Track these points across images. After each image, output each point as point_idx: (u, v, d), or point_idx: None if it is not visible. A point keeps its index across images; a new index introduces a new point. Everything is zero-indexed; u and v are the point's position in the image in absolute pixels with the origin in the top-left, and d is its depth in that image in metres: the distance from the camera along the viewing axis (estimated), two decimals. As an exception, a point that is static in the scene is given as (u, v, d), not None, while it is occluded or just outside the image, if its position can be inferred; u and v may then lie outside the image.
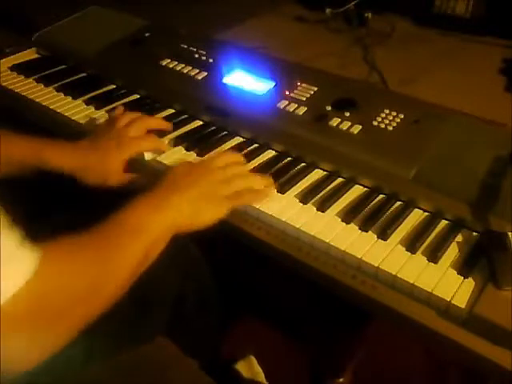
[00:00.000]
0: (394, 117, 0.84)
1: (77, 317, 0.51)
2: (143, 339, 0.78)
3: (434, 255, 0.65)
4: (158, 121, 0.90)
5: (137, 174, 0.82)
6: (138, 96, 1.05)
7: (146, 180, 0.81)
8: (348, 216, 0.71)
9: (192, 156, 0.85)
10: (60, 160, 0.78)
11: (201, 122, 0.95)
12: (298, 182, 0.79)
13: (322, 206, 0.73)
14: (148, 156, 0.84)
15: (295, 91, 0.94)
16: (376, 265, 0.64)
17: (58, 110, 0.99)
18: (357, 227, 0.70)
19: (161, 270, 0.79)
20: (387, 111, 0.85)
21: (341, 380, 1.18)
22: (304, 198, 0.75)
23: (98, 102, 1.01)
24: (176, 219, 0.63)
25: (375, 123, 0.84)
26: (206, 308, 0.96)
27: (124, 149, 0.80)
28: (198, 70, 1.03)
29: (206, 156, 0.83)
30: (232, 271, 1.21)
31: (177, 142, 0.88)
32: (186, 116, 0.96)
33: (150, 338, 0.79)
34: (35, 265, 0.45)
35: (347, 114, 0.86)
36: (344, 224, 0.71)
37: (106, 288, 0.54)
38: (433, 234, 0.69)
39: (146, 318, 0.79)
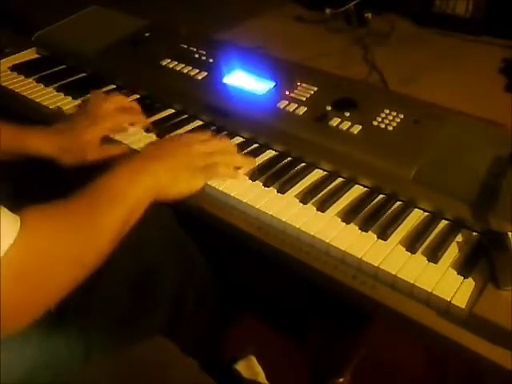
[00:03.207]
0: (394, 117, 0.84)
1: (63, 278, 0.52)
2: (142, 337, 0.78)
3: (434, 255, 0.65)
4: (127, 100, 0.93)
5: (115, 146, 0.83)
6: (138, 96, 1.05)
7: (125, 153, 0.83)
8: (348, 216, 0.71)
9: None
10: (37, 144, 0.80)
11: (201, 122, 0.95)
12: (298, 182, 0.79)
13: (322, 206, 0.73)
14: (132, 132, 0.86)
15: (295, 91, 0.94)
16: (376, 265, 0.64)
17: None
18: (357, 227, 0.70)
19: (160, 269, 0.80)
20: (387, 111, 0.85)
21: (341, 380, 1.18)
22: (304, 198, 0.75)
23: (98, 102, 1.00)
24: (153, 185, 0.65)
25: (375, 123, 0.84)
26: (206, 307, 0.96)
27: (98, 124, 0.82)
28: (198, 70, 1.03)
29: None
30: (232, 271, 1.21)
31: (177, 142, 0.88)
32: (186, 116, 0.96)
33: (149, 335, 0.79)
34: (17, 228, 0.46)
35: (347, 114, 0.86)
36: (344, 224, 0.71)
37: (88, 252, 0.55)
38: (433, 234, 0.69)
39: (144, 316, 0.79)
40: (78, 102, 1.02)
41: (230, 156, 0.77)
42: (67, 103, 1.01)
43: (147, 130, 0.90)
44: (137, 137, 0.89)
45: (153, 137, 0.89)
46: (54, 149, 0.80)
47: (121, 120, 0.84)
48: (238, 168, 0.78)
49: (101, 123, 0.82)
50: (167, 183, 0.67)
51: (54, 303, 0.52)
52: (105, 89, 1.07)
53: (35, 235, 0.48)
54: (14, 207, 0.48)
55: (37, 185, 0.92)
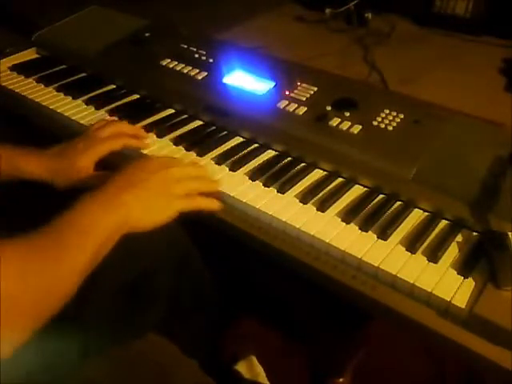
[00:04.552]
0: (394, 117, 0.84)
1: (34, 314, 0.51)
2: (138, 334, 0.78)
3: (434, 255, 0.65)
4: (132, 127, 0.88)
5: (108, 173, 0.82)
6: (138, 96, 1.05)
7: None
8: (348, 216, 0.71)
9: (192, 156, 0.85)
10: (31, 167, 0.78)
11: (201, 122, 0.95)
12: (298, 182, 0.79)
13: (322, 206, 0.73)
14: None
15: (295, 91, 0.94)
16: (376, 265, 0.64)
17: (58, 110, 0.99)
18: (357, 227, 0.70)
19: (156, 268, 0.79)
20: (387, 111, 0.85)
21: (341, 380, 1.18)
22: (304, 198, 0.75)
23: (98, 102, 1.01)
24: (125, 217, 0.62)
25: (375, 123, 0.84)
26: (204, 306, 0.96)
27: (92, 149, 0.79)
28: (198, 70, 1.03)
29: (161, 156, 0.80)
30: (232, 271, 1.21)
31: (177, 141, 0.88)
32: (185, 116, 0.96)
33: (145, 332, 0.79)
34: None
35: (347, 114, 0.86)
36: (344, 224, 0.71)
37: (58, 287, 0.54)
38: (433, 234, 0.69)
39: (140, 313, 0.79)
40: (77, 101, 1.02)
41: (204, 182, 0.73)
42: (67, 103, 1.01)
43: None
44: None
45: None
46: (46, 172, 0.78)
47: (116, 145, 0.81)
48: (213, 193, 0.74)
49: (93, 151, 0.79)
50: (140, 214, 0.64)
51: (29, 336, 0.50)
52: (105, 89, 1.07)
53: (3, 266, 0.48)
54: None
55: (28, 212, 0.91)
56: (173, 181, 0.68)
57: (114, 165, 0.80)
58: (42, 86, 1.08)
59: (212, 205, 0.71)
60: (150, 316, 0.81)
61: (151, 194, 0.65)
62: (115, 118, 0.96)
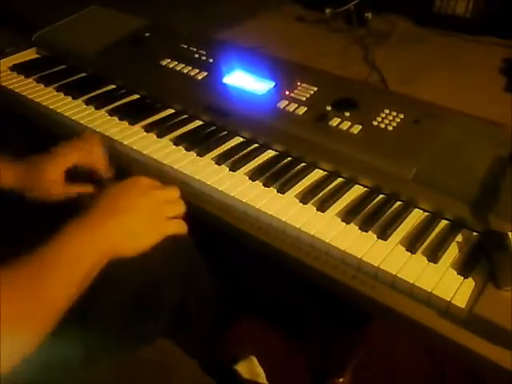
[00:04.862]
0: (394, 117, 0.84)
1: (16, 342, 0.50)
2: (143, 342, 0.78)
3: (434, 255, 0.65)
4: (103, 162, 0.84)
5: (80, 186, 0.81)
6: (138, 96, 1.05)
7: (90, 192, 0.80)
8: (348, 216, 0.71)
9: (192, 156, 0.85)
10: (4, 176, 0.77)
11: (201, 122, 0.95)
12: (298, 182, 0.79)
13: (322, 206, 0.73)
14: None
15: (295, 91, 0.94)
16: (376, 265, 0.64)
17: (58, 110, 0.99)
18: (357, 227, 0.70)
19: (162, 274, 0.79)
20: (387, 111, 0.85)
21: (341, 380, 1.18)
22: (304, 198, 0.75)
23: (98, 102, 1.01)
24: (109, 246, 0.60)
25: (375, 123, 0.84)
26: (207, 310, 0.96)
27: (58, 160, 0.78)
28: (198, 70, 1.03)
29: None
30: (232, 271, 1.21)
31: (177, 141, 0.88)
32: (185, 116, 0.96)
33: (150, 340, 0.79)
34: None
35: (347, 114, 0.86)
36: (344, 224, 0.71)
37: (41, 315, 0.52)
38: (433, 234, 0.69)
39: (146, 321, 0.79)
40: (77, 101, 1.02)
41: (179, 205, 0.71)
42: (67, 103, 1.01)
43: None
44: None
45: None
46: (19, 183, 0.77)
47: (84, 155, 0.80)
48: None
49: (60, 162, 0.78)
50: (126, 242, 0.62)
51: (13, 363, 0.49)
52: (105, 89, 1.07)
53: None
54: None
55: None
56: (158, 204, 0.67)
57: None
58: (42, 86, 1.08)
59: (185, 229, 0.70)
60: (156, 326, 0.81)
61: (139, 220, 0.64)
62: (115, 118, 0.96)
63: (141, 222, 0.64)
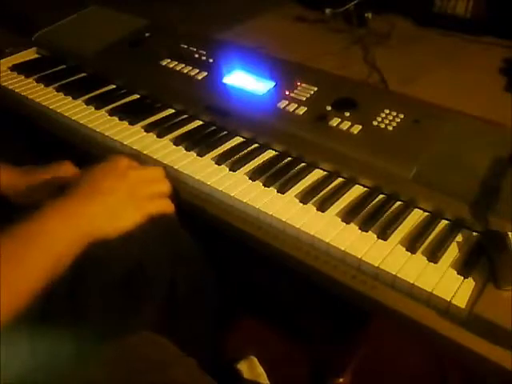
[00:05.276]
0: (394, 117, 0.84)
1: None
2: (132, 329, 0.77)
3: (434, 255, 0.65)
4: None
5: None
6: (138, 96, 1.05)
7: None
8: (348, 216, 0.71)
9: (192, 156, 0.85)
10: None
11: (201, 122, 0.95)
12: (298, 181, 0.79)
13: (322, 206, 0.73)
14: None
15: (295, 91, 0.94)
16: (376, 265, 0.64)
17: (58, 110, 0.99)
18: (357, 227, 0.70)
19: (147, 255, 0.79)
20: (387, 111, 0.85)
21: (341, 380, 1.18)
22: (304, 198, 0.75)
23: (98, 102, 1.00)
24: (88, 227, 0.60)
25: (375, 123, 0.84)
26: (203, 305, 0.96)
27: (47, 168, 0.78)
28: (197, 70, 1.03)
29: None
30: (232, 271, 1.21)
31: (177, 141, 0.88)
32: (185, 116, 0.96)
33: (139, 328, 0.78)
34: None
35: (347, 114, 0.86)
36: (344, 224, 0.71)
37: (10, 299, 0.51)
38: (433, 234, 0.69)
39: (134, 308, 0.79)
40: (77, 101, 1.02)
41: (163, 184, 0.71)
42: (67, 103, 1.01)
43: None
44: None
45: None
46: (6, 187, 0.78)
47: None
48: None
49: (48, 169, 0.78)
50: (105, 223, 0.61)
51: None
52: (105, 89, 1.07)
53: None
54: None
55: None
56: (139, 184, 0.66)
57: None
58: (42, 86, 1.08)
59: (171, 207, 0.70)
60: (145, 311, 0.81)
61: (119, 201, 0.64)
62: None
63: (121, 202, 0.64)
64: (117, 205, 0.63)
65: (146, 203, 0.66)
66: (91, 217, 0.60)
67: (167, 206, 0.69)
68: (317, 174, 0.81)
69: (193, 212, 0.77)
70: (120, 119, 0.96)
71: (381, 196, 0.76)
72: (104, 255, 0.61)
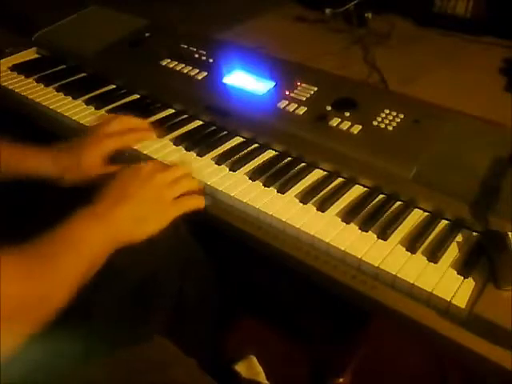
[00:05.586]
0: (394, 117, 0.84)
1: (23, 324, 0.51)
2: (142, 338, 0.78)
3: (434, 255, 0.65)
4: (138, 121, 0.85)
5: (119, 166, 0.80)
6: (138, 96, 1.05)
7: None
8: (348, 216, 0.71)
9: (192, 156, 0.85)
10: (37, 164, 0.77)
11: (201, 122, 0.95)
12: (298, 181, 0.79)
13: (322, 206, 0.73)
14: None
15: (295, 91, 0.94)
16: (376, 265, 0.64)
17: (58, 110, 0.99)
18: (357, 227, 0.70)
19: (163, 272, 0.79)
20: (387, 111, 0.85)
21: (341, 380, 1.18)
22: (304, 198, 0.75)
23: (98, 102, 1.01)
24: (116, 233, 0.62)
25: (375, 123, 0.84)
26: (206, 307, 0.96)
27: (97, 146, 0.78)
28: (197, 70, 1.03)
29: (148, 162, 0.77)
30: (232, 271, 1.21)
31: (177, 141, 0.88)
32: (185, 116, 0.96)
33: (149, 336, 0.79)
34: None
35: (347, 114, 0.86)
36: (344, 224, 0.71)
37: (51, 296, 0.54)
38: (433, 234, 0.69)
39: (144, 317, 0.79)
40: (77, 101, 1.02)
41: (190, 180, 0.73)
42: (67, 103, 1.01)
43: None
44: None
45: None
46: (53, 168, 0.77)
47: (122, 142, 0.80)
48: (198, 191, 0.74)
49: (103, 142, 0.78)
50: (132, 228, 0.63)
51: (22, 337, 0.50)
52: (105, 89, 1.07)
53: (3, 270, 0.48)
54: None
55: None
56: (165, 187, 0.68)
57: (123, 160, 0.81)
58: (42, 86, 1.08)
59: (201, 203, 0.71)
60: (155, 320, 0.81)
61: (145, 206, 0.65)
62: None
63: (147, 208, 0.65)
64: (143, 210, 0.65)
65: (171, 207, 0.68)
66: (118, 222, 0.62)
67: (197, 203, 0.71)
68: (317, 174, 0.81)
69: (193, 212, 0.77)
70: (120, 119, 0.96)
71: (381, 196, 0.76)
72: (121, 262, 0.61)
